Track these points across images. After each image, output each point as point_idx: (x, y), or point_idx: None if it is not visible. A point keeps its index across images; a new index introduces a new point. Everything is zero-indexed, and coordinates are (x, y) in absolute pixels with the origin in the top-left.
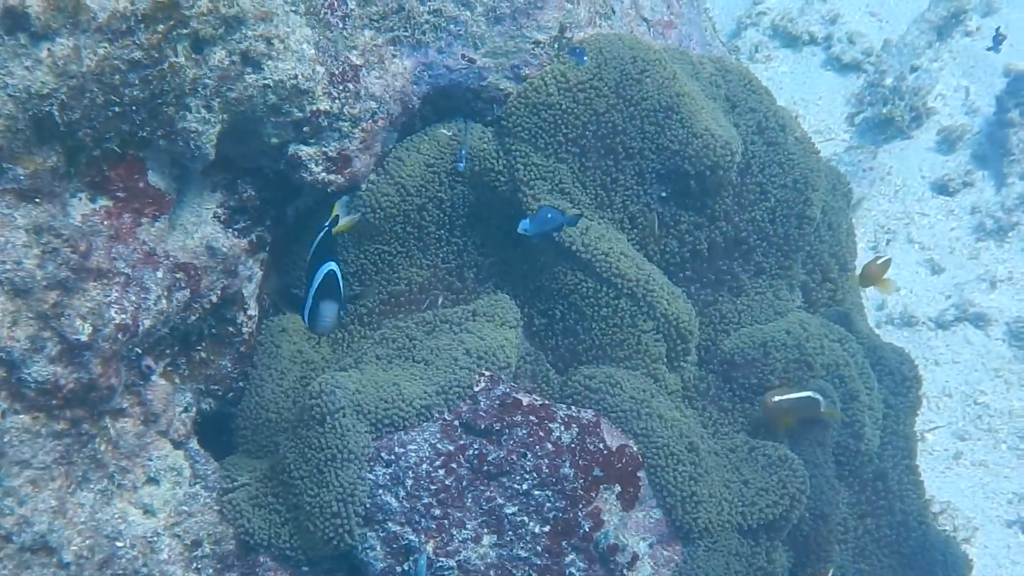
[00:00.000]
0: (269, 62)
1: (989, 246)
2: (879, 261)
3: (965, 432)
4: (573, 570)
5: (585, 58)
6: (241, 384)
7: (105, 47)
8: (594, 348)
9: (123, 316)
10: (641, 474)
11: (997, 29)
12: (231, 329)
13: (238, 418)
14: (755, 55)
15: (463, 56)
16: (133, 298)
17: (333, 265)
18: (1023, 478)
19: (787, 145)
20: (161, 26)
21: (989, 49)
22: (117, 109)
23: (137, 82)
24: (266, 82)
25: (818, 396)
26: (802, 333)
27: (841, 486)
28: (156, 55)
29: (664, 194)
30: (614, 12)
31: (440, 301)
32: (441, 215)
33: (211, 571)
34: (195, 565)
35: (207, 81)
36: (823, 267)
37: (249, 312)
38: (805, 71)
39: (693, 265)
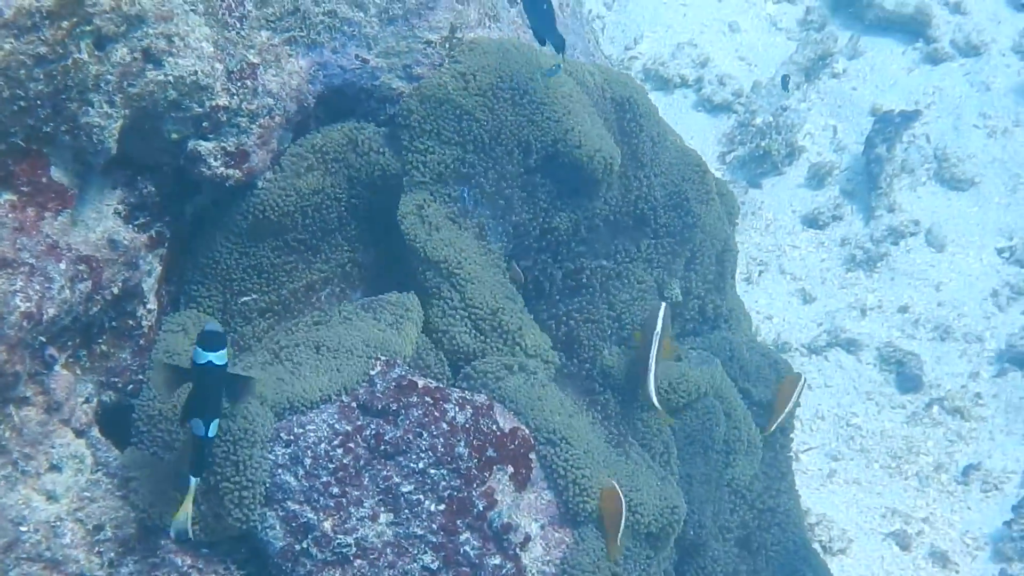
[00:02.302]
0: (169, 59)
1: (859, 276)
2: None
3: (838, 452)
4: (468, 548)
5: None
6: (140, 377)
7: (11, 42)
8: None
9: (28, 304)
10: (532, 456)
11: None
12: (131, 322)
13: (137, 409)
14: None
15: (357, 56)
16: (37, 287)
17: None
18: (895, 494)
19: (668, 145)
20: (65, 23)
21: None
22: (22, 103)
23: (42, 77)
24: (167, 78)
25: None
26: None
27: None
28: (60, 51)
29: (548, 190)
30: (500, 17)
31: (336, 297)
32: (338, 214)
33: (113, 554)
34: (97, 548)
35: (109, 77)
36: (705, 274)
37: (148, 306)
38: (677, 112)
39: (577, 260)
